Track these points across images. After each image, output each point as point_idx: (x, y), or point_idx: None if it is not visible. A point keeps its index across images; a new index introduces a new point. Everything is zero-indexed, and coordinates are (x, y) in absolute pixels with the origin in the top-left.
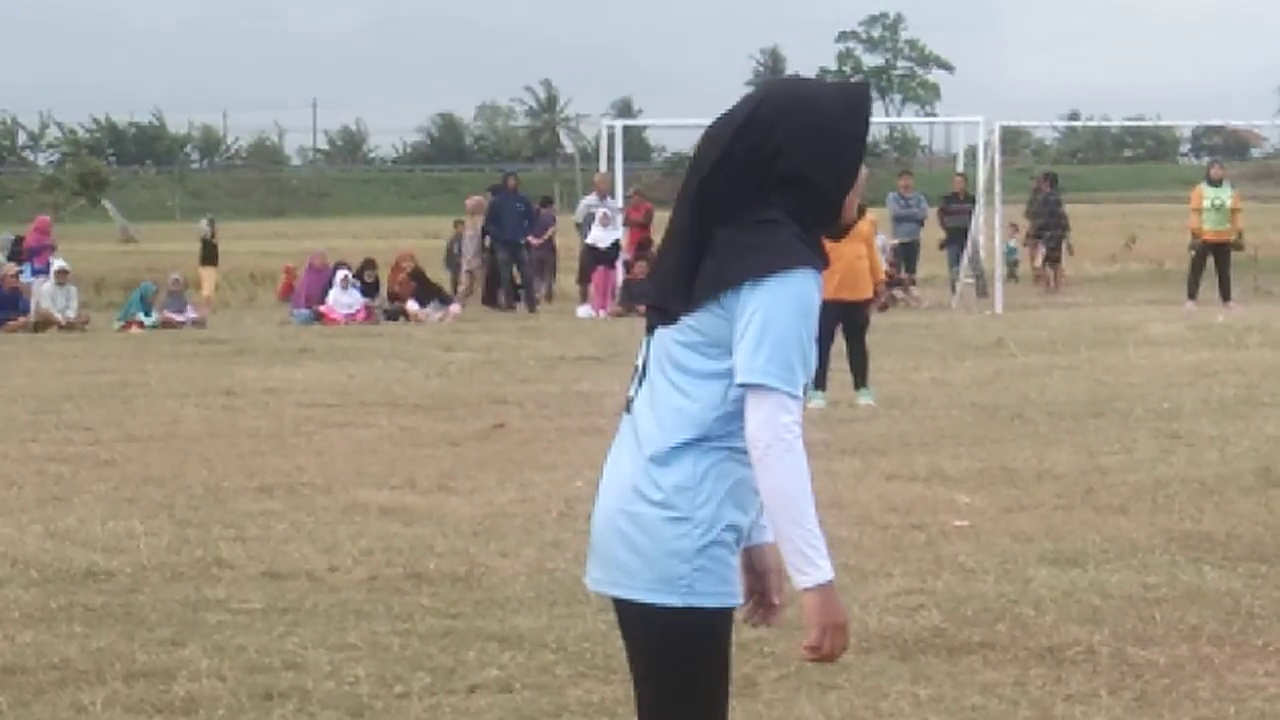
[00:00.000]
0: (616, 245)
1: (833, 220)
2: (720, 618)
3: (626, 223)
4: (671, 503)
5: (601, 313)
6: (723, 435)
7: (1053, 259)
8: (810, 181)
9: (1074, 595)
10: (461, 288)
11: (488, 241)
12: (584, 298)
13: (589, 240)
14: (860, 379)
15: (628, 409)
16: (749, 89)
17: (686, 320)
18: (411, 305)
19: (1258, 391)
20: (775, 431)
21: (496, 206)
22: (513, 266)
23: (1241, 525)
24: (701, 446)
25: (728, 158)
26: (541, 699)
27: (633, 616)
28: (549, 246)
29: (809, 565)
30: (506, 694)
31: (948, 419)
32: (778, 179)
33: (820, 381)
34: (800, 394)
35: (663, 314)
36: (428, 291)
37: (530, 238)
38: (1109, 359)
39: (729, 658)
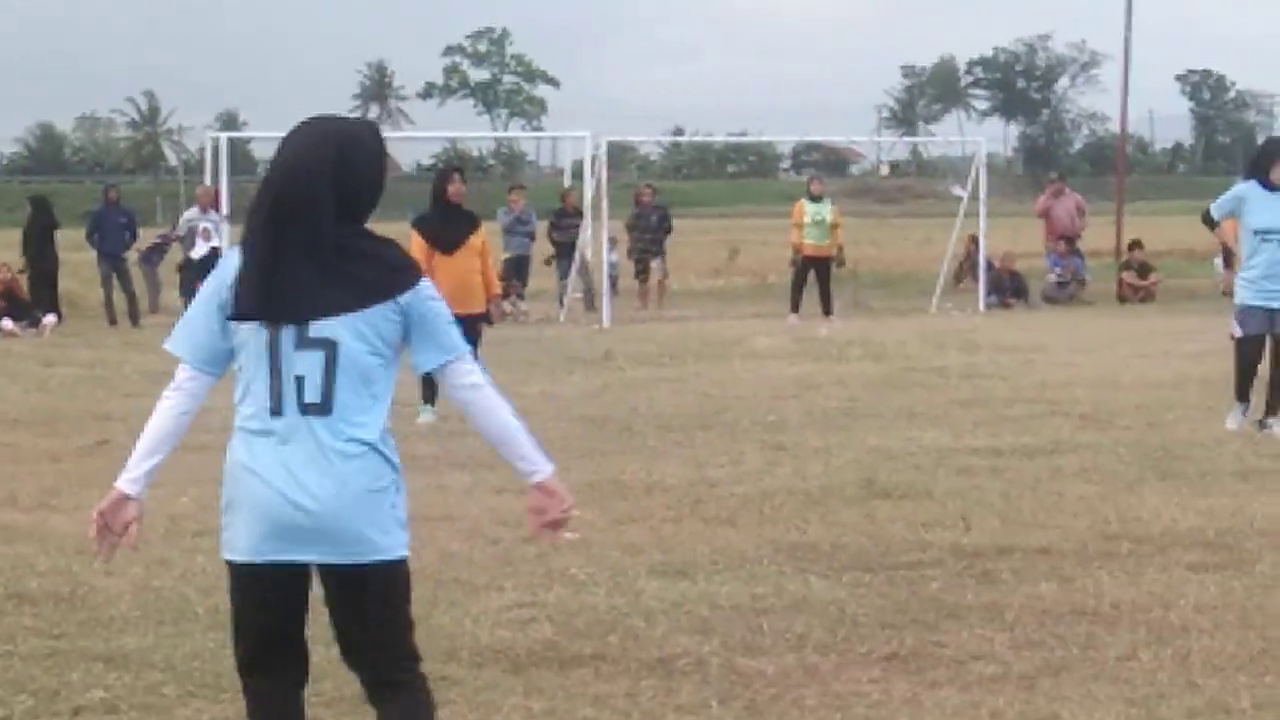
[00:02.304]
0: (214, 255)
1: None
2: None
3: None
4: (396, 475)
5: None
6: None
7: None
8: (371, 202)
9: (684, 606)
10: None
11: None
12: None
13: (191, 254)
14: None
15: (305, 411)
16: (356, 102)
17: (357, 324)
18: (6, 323)
19: (859, 404)
20: (485, 378)
21: (98, 219)
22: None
23: (846, 535)
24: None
25: (335, 190)
26: (149, 719)
27: (378, 577)
28: (152, 261)
29: (544, 458)
30: (112, 715)
31: (557, 432)
32: (357, 204)
33: (430, 396)
34: None
35: (289, 316)
36: (20, 308)
37: (134, 250)
38: (715, 372)
39: None
